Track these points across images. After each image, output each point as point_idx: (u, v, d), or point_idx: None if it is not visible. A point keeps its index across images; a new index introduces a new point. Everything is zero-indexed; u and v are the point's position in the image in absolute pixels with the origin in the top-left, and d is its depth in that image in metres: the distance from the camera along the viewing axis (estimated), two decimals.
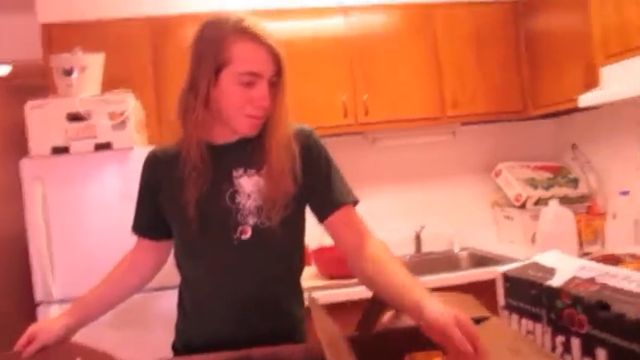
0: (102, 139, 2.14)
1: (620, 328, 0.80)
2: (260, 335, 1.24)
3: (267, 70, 1.24)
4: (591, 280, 0.96)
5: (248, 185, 1.29)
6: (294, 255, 1.40)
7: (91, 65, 2.23)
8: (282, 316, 1.32)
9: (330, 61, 2.77)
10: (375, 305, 1.27)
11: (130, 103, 2.16)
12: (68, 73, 2.16)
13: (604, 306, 0.84)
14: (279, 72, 1.26)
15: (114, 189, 2.16)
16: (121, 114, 2.11)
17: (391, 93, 2.82)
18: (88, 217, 2.16)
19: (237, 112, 1.24)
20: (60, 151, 2.14)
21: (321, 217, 1.32)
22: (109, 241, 2.09)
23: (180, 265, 1.39)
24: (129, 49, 2.57)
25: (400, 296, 1.09)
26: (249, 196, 1.28)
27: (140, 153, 2.15)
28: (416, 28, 2.88)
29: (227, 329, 1.29)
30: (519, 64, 2.98)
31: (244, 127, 1.27)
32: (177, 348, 1.40)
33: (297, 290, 1.41)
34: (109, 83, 2.36)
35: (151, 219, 1.39)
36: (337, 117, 2.73)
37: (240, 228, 1.28)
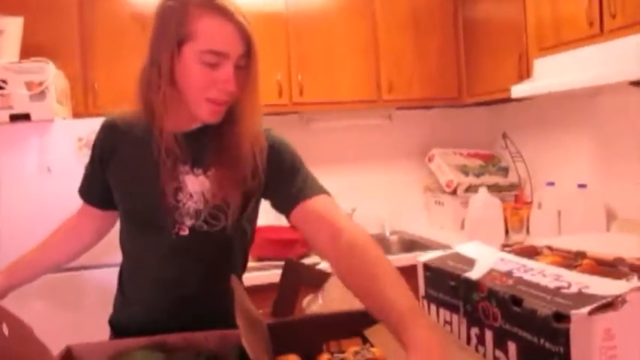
0: (19, 110, 2.01)
1: (531, 323, 0.80)
2: (191, 328, 1.14)
3: (234, 50, 1.11)
4: (508, 274, 0.96)
5: (193, 185, 1.19)
6: (235, 255, 1.32)
7: (8, 29, 2.09)
8: (216, 312, 1.23)
9: (267, 39, 2.69)
10: (288, 289, 1.26)
11: (50, 73, 2.04)
12: None
13: (517, 301, 0.84)
14: (248, 53, 1.13)
15: (33, 162, 2.04)
16: (40, 84, 1.99)
17: (327, 74, 2.80)
18: (6, 190, 2.04)
19: (198, 95, 1.12)
20: None
21: (286, 211, 1.20)
22: (31, 215, 2.01)
23: (122, 243, 1.33)
24: (53, 14, 2.42)
25: (395, 325, 0.85)
26: (190, 196, 1.19)
27: (62, 125, 2.06)
28: (355, 9, 2.85)
29: (160, 318, 1.23)
30: (457, 51, 3.01)
31: (205, 112, 1.14)
32: (114, 322, 1.35)
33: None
34: (30, 50, 2.21)
35: (100, 188, 1.31)
36: (272, 96, 2.68)
37: (177, 225, 1.21)
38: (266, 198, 1.28)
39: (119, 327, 1.32)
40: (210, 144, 1.20)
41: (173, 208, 1.20)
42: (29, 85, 1.99)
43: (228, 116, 1.18)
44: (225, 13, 1.09)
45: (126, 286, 1.33)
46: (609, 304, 0.72)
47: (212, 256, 1.26)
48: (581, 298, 0.77)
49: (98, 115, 2.21)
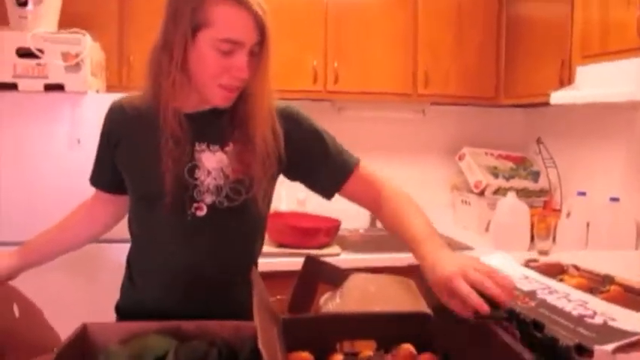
0: (53, 80, 2.02)
1: (551, 351, 0.78)
2: (203, 316, 1.14)
3: (249, 38, 1.12)
4: (531, 294, 0.94)
5: (210, 162, 1.20)
6: (253, 238, 1.32)
7: None
8: (229, 301, 1.25)
9: (305, 22, 2.67)
10: (306, 285, 1.25)
11: (86, 45, 2.04)
12: (22, 4, 2.02)
13: (538, 326, 0.82)
14: (262, 41, 1.15)
15: (64, 133, 2.06)
16: (76, 56, 1.99)
17: (363, 63, 2.75)
18: (35, 159, 2.06)
19: (210, 81, 1.14)
20: (7, 87, 2.01)
21: (331, 193, 1.30)
22: (57, 187, 2.04)
23: (131, 228, 1.33)
24: None
25: (413, 251, 1.08)
26: (209, 173, 1.20)
27: (95, 98, 2.08)
28: None
29: (170, 303, 1.24)
30: (497, 50, 2.93)
31: (217, 98, 1.16)
32: (121, 309, 1.35)
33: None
34: (68, 19, 2.22)
35: (110, 172, 1.32)
36: (306, 82, 2.65)
37: (195, 204, 1.21)
38: (300, 177, 1.31)
39: (126, 314, 1.31)
40: (223, 122, 1.21)
41: (191, 187, 1.20)
42: (65, 56, 2.00)
43: (238, 98, 1.19)
44: (243, 2, 1.10)
45: (135, 273, 1.33)
46: (635, 343, 0.70)
47: (227, 239, 1.25)
48: (606, 331, 0.74)
49: (132, 89, 2.22)
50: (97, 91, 2.17)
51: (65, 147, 2.06)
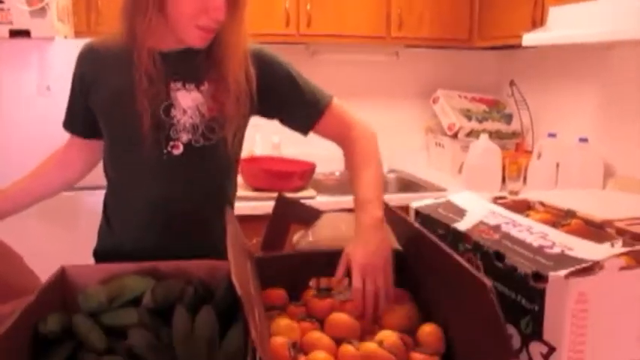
0: (18, 26, 1.97)
1: (510, 279, 0.82)
2: (180, 255, 1.17)
3: None
4: (496, 228, 0.98)
5: (185, 100, 1.21)
6: (227, 175, 1.35)
7: None
8: (205, 238, 1.28)
9: None
10: (279, 224, 1.28)
11: None
12: None
13: (500, 256, 0.86)
14: None
15: (33, 80, 2.02)
16: (41, 0, 1.94)
17: (337, 6, 2.72)
18: (4, 107, 2.04)
19: (187, 22, 1.13)
20: None
21: (306, 130, 1.32)
22: (28, 135, 2.02)
23: (107, 171, 1.34)
24: None
25: (354, 209, 1.18)
26: (184, 111, 1.21)
27: (63, 44, 2.03)
28: None
29: (148, 242, 1.26)
30: None
31: (193, 39, 1.16)
32: (99, 253, 1.37)
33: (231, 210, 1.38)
34: None
35: (83, 116, 1.31)
36: (278, 25, 2.62)
37: (171, 143, 1.22)
38: (276, 116, 1.33)
39: (104, 258, 1.33)
40: (199, 62, 1.22)
41: (167, 125, 1.21)
42: (30, 1, 1.94)
43: (214, 39, 1.20)
44: None
45: (112, 215, 1.35)
46: (587, 269, 0.74)
47: (202, 177, 1.27)
48: (562, 259, 0.78)
49: (101, 34, 2.17)
50: (65, 37, 2.13)
51: (35, 94, 2.02)
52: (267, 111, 1.31)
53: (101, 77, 1.25)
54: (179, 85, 1.21)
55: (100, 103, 1.26)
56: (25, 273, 1.17)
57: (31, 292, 0.95)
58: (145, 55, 1.17)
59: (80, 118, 1.34)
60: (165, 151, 1.22)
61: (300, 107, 1.30)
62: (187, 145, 1.22)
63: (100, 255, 1.37)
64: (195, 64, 1.21)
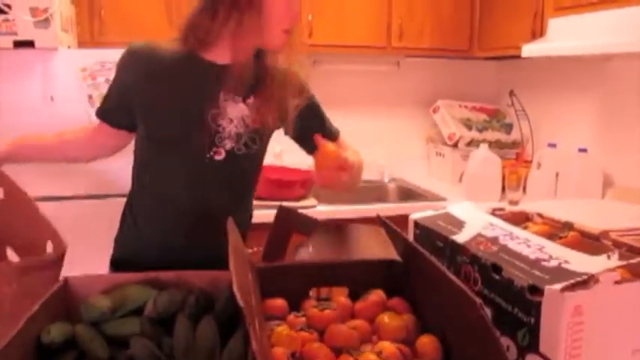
0: (22, 36, 1.99)
1: (507, 292, 0.83)
2: (204, 257, 1.20)
3: None
4: (494, 240, 0.99)
5: (233, 110, 1.28)
6: (255, 179, 1.45)
7: None
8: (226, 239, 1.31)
9: None
10: (280, 234, 1.29)
11: (55, 0, 2.00)
12: None
13: (497, 269, 0.87)
14: None
15: (36, 90, 2.04)
16: (45, 11, 1.96)
17: (338, 16, 2.74)
18: (9, 118, 2.03)
19: (275, 26, 1.22)
20: None
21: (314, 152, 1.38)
22: None
23: (140, 174, 1.37)
24: None
25: None
26: (231, 120, 1.28)
27: (66, 54, 2.04)
28: None
29: (173, 244, 1.32)
30: (472, 2, 2.93)
31: (277, 41, 1.26)
32: (118, 260, 1.40)
33: (249, 214, 1.47)
34: None
35: (122, 113, 1.36)
36: None
37: (214, 149, 1.29)
38: (294, 135, 1.42)
39: (123, 265, 1.34)
40: (249, 77, 1.30)
41: (213, 132, 1.28)
42: (34, 11, 1.96)
43: (265, 57, 1.31)
44: None
45: (139, 218, 1.37)
46: (583, 282, 0.75)
47: (236, 183, 1.36)
48: (559, 273, 0.79)
49: (103, 45, 2.19)
50: (69, 47, 2.14)
51: (39, 104, 2.04)
52: (288, 128, 1.39)
53: (151, 77, 1.29)
54: (228, 96, 1.28)
55: (147, 103, 1.30)
56: (30, 210, 1.18)
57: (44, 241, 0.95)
58: (204, 66, 1.26)
59: (118, 114, 1.37)
60: (207, 155, 1.29)
61: (318, 132, 1.34)
62: (229, 152, 1.30)
63: (119, 262, 1.39)
64: (245, 79, 1.29)
